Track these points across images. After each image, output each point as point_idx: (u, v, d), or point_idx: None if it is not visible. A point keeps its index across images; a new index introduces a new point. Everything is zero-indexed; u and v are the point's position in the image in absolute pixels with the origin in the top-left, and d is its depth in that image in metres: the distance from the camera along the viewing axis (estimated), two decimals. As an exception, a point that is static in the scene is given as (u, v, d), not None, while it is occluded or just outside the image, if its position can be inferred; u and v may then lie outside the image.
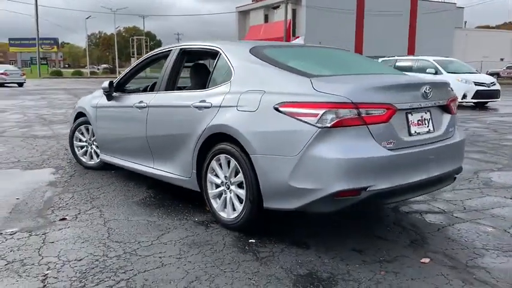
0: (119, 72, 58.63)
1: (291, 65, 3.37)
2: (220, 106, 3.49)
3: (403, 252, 3.08)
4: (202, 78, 4.06)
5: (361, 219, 3.80)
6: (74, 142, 5.70)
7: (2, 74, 27.49)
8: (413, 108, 3.19)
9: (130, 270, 2.80)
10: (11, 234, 3.40)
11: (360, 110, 2.88)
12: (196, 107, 3.68)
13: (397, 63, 17.32)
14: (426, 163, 3.23)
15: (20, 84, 27.72)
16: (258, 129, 3.16)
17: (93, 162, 5.55)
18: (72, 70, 65.21)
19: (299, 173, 2.94)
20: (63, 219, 3.75)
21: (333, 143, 2.86)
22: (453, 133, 3.58)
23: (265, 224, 3.44)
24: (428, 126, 3.33)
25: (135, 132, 4.50)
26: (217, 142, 3.49)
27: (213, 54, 3.93)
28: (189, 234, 3.42)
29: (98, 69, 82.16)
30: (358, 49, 39.70)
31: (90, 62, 75.67)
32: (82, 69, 69.65)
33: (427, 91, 3.23)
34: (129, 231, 3.48)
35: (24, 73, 28.99)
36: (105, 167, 5.38)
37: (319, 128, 2.86)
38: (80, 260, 2.95)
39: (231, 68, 3.62)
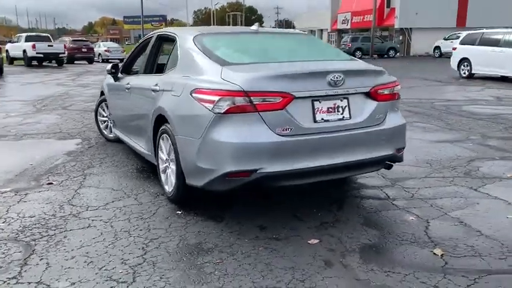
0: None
1: (217, 53, 3.63)
2: (163, 90, 3.89)
3: (300, 233, 3.27)
4: (163, 63, 4.48)
5: (305, 197, 3.97)
6: (98, 117, 6.50)
7: (105, 50, 30.51)
8: (320, 96, 3.29)
9: (61, 228, 3.39)
10: (1, 193, 4.20)
11: (251, 98, 3.09)
12: (152, 90, 4.12)
13: (484, 36, 15.91)
14: (335, 149, 3.33)
15: (121, 60, 30.48)
16: (180, 112, 3.53)
17: (112, 136, 6.30)
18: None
19: (201, 154, 3.26)
20: (50, 183, 4.48)
21: (226, 128, 3.12)
22: (382, 120, 3.58)
23: (203, 199, 3.81)
24: (342, 114, 3.40)
25: (126, 110, 5.10)
26: (162, 123, 3.91)
27: (173, 41, 4.31)
28: (134, 203, 3.92)
29: None
30: (461, 21, 36.54)
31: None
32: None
33: (335, 79, 3.29)
34: (90, 197, 4.09)
35: (124, 50, 31.86)
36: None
37: (214, 114, 3.14)
38: (32, 217, 3.62)
39: (178, 54, 3.98)
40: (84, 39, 35.98)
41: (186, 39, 4.06)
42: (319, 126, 3.30)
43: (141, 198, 4.04)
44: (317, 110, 3.30)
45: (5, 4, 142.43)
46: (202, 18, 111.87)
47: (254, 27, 4.32)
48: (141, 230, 3.35)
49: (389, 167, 3.82)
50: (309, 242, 3.13)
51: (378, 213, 3.64)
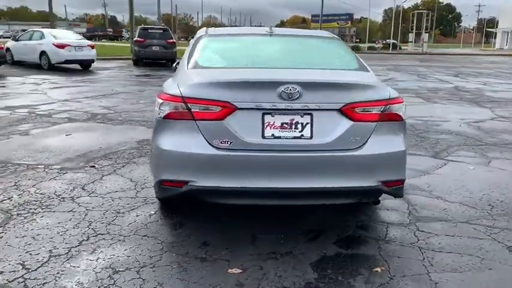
0: (400, 48, 57.97)
1: (200, 55, 3.50)
2: None
3: (233, 257, 2.94)
4: None
5: (291, 219, 3.58)
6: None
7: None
8: (273, 109, 2.88)
9: (47, 208, 3.74)
10: (50, 168, 4.83)
11: (189, 104, 2.89)
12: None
13: None
14: (289, 171, 2.89)
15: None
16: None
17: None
18: (363, 45, 68.04)
19: (151, 158, 3.21)
20: (92, 166, 4.97)
21: (165, 134, 2.99)
22: (361, 144, 2.95)
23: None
24: (301, 132, 2.91)
25: None
26: None
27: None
28: (131, 195, 4.08)
29: (377, 43, 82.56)
30: None
31: (382, 37, 77.02)
32: (373, 44, 71.82)
33: (288, 91, 2.83)
34: (105, 184, 4.39)
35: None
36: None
37: (157, 118, 3.04)
38: (41, 194, 4.07)
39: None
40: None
41: (193, 39, 4.00)
42: (267, 142, 2.90)
43: (141, 193, 4.17)
44: (267, 125, 2.91)
45: (214, 2, 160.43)
46: (392, 17, 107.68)
47: (267, 29, 3.99)
48: (102, 222, 3.48)
49: (376, 202, 3.14)
50: (229, 270, 2.80)
51: (342, 258, 3.03)
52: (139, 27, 21.54)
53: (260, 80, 2.96)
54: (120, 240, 3.18)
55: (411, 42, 52.73)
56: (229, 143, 2.89)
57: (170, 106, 2.95)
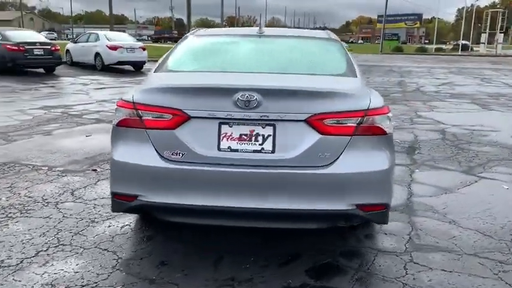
0: (471, 49, 54.17)
1: (174, 58, 3.27)
2: None
3: (186, 282, 2.65)
4: None
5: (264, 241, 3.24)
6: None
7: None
8: (230, 119, 2.55)
9: (26, 212, 3.67)
10: (52, 170, 4.82)
11: (139, 111, 2.64)
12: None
13: None
14: (247, 189, 2.56)
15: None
16: None
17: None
18: (431, 46, 64.98)
19: None
20: (94, 170, 4.90)
21: (117, 143, 2.77)
22: (331, 160, 2.55)
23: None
24: (262, 145, 2.56)
25: None
26: None
27: None
28: (108, 195, 3.91)
29: (447, 44, 78.14)
30: None
31: (454, 38, 72.94)
32: (441, 46, 68.35)
33: (245, 99, 2.49)
34: (96, 189, 4.28)
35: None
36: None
37: (112, 125, 2.83)
38: (29, 197, 4.02)
39: None
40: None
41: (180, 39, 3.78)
42: (223, 156, 2.58)
43: (127, 200, 3.99)
44: (224, 136, 2.58)
45: (278, 4, 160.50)
46: (466, 17, 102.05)
47: (257, 29, 3.65)
48: (70, 231, 3.33)
49: (353, 227, 2.72)
50: None
51: None
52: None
53: (214, 86, 2.64)
54: (77, 253, 3.00)
55: (483, 43, 49.38)
56: (181, 155, 2.60)
57: (123, 113, 2.73)
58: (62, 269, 2.78)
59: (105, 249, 3.06)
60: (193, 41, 3.57)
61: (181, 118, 2.58)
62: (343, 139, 2.55)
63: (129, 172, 2.69)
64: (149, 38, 78.91)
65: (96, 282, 2.65)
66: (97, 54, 16.93)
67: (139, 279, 2.69)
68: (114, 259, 2.93)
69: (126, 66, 17.71)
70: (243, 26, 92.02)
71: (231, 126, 2.58)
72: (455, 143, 6.45)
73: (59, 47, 15.43)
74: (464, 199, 4.14)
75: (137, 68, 17.87)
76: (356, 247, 3.15)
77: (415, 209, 3.85)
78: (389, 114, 2.70)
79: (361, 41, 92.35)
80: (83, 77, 15.12)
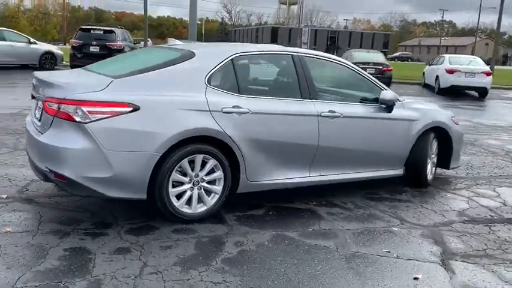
0: None
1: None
2: None
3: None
4: None
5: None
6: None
7: None
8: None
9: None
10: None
11: None
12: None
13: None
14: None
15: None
16: None
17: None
18: None
19: None
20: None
21: None
22: (44, 131, 3.42)
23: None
24: (38, 115, 3.65)
25: None
26: None
27: None
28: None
29: None
30: None
31: None
32: None
33: (35, 84, 3.73)
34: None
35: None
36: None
37: None
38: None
39: None
40: None
41: None
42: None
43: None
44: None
45: None
46: None
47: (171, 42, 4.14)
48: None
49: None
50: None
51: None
52: None
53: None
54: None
55: None
56: None
57: None
58: None
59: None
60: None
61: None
62: (50, 117, 3.30)
63: None
64: None
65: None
66: (436, 77, 16.75)
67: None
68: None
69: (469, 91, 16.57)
70: None
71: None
72: None
73: (391, 68, 16.47)
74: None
75: (480, 94, 16.37)
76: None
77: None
78: (85, 109, 3.16)
79: None
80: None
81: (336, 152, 4.26)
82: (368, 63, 16.08)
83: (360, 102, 4.58)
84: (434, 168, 5.19)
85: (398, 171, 4.82)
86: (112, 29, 17.06)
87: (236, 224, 3.68)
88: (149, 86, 3.44)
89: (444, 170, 5.52)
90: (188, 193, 3.56)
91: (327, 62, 4.58)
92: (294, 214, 3.99)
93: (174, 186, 3.49)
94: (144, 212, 3.69)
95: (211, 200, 3.67)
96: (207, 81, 3.63)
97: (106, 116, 3.19)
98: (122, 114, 3.23)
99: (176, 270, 2.87)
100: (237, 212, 3.90)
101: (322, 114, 4.09)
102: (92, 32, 16.66)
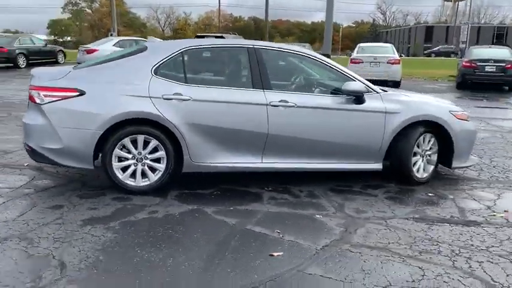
0: None
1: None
2: None
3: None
4: None
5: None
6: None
7: None
8: None
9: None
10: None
11: None
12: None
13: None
14: None
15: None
16: None
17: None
18: None
19: None
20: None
21: None
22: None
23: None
24: None
25: None
26: None
27: None
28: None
29: None
30: None
31: None
32: None
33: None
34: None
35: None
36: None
37: None
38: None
39: None
40: None
41: None
42: None
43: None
44: None
45: None
46: None
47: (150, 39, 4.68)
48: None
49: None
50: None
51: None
52: None
53: None
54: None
55: None
56: None
57: None
58: None
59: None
60: None
61: None
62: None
63: None
64: None
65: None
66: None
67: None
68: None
69: None
70: None
71: None
72: None
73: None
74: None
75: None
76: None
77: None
78: (42, 93, 3.99)
79: None
80: None
81: (292, 141, 4.36)
82: (487, 61, 14.40)
83: (332, 93, 4.58)
84: (432, 166, 4.83)
85: (375, 166, 4.63)
86: (222, 34, 18.62)
87: (172, 199, 4.12)
88: (100, 75, 4.15)
89: (455, 170, 5.07)
90: (132, 168, 4.15)
91: (290, 54, 4.71)
92: (236, 196, 4.26)
93: (120, 160, 4.12)
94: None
95: (155, 176, 4.19)
96: (153, 71, 4.16)
97: (57, 99, 3.98)
98: (70, 98, 3.99)
99: (77, 224, 3.51)
100: (186, 190, 4.35)
101: (271, 103, 4.26)
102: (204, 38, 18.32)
